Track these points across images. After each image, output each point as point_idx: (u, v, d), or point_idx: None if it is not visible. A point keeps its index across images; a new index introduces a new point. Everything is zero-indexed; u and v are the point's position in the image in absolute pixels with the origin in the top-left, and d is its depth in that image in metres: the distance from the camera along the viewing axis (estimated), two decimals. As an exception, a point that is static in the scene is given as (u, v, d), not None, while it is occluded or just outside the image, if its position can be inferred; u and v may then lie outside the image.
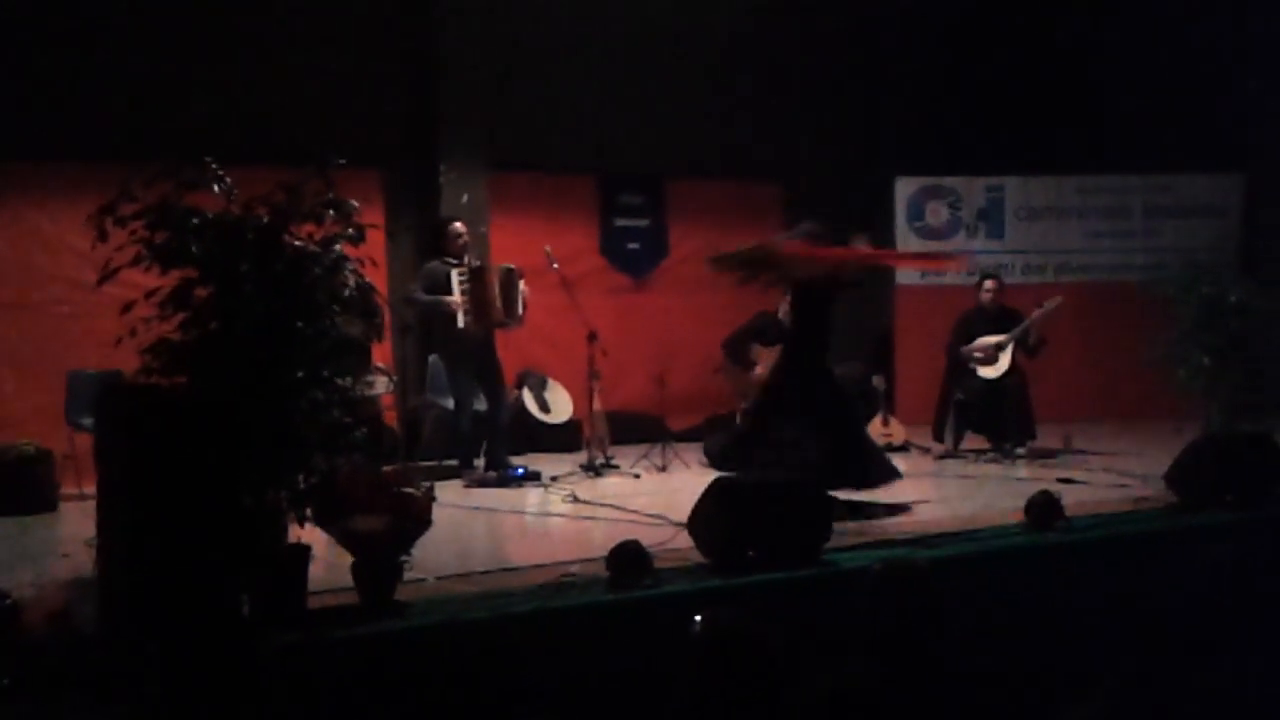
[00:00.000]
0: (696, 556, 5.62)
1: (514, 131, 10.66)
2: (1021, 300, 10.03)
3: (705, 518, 5.67)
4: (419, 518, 4.97)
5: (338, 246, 4.96)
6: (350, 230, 5.00)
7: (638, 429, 10.16)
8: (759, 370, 8.87)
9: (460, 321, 8.64)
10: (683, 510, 5.98)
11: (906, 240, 12.01)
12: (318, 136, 8.65)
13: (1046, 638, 5.28)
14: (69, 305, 8.86)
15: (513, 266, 8.98)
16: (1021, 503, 6.47)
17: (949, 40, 12.43)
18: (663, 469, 9.19)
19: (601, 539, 6.06)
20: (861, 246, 7.51)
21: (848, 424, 7.44)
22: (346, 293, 4.95)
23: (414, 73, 10.45)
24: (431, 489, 5.13)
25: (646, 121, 11.23)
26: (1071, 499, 6.79)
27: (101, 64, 9.06)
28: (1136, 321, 9.40)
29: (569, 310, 9.22)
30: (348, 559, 4.96)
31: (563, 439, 10.26)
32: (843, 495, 6.76)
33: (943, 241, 12.02)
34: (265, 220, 4.84)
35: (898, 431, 10.19)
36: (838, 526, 5.92)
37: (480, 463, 8.87)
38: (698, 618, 3.27)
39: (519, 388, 10.24)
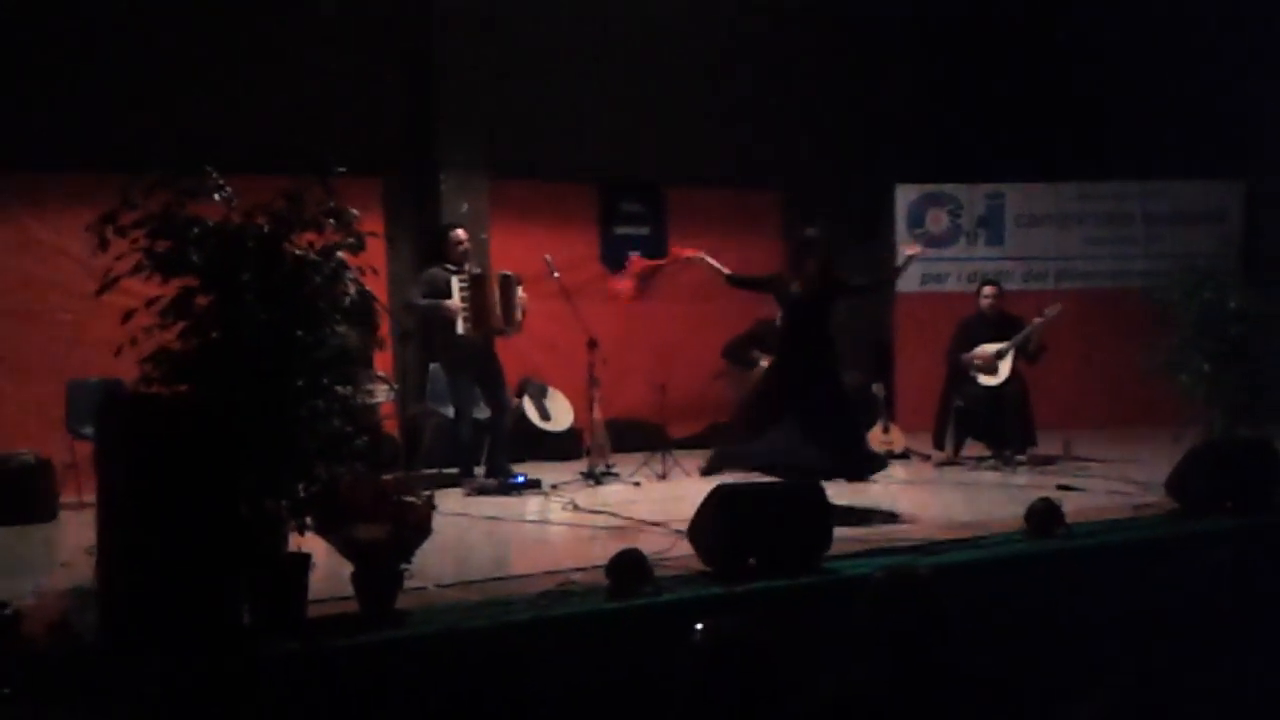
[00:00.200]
0: (697, 564, 5.61)
1: (514, 139, 10.67)
2: (1022, 307, 10.03)
3: (706, 525, 5.67)
4: (419, 526, 4.97)
5: (338, 255, 4.96)
6: (350, 238, 5.00)
7: (638, 436, 10.15)
8: (763, 365, 8.86)
9: (460, 328, 8.65)
10: (683, 518, 5.98)
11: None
12: (318, 144, 8.65)
13: (1048, 644, 5.28)
14: (69, 314, 8.84)
15: (511, 274, 8.98)
16: (1022, 510, 6.47)
17: (949, 47, 12.44)
18: (663, 477, 9.19)
19: (602, 547, 6.06)
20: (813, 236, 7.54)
21: (846, 418, 7.46)
22: (347, 301, 4.96)
23: (414, 80, 10.47)
24: (432, 497, 5.11)
25: (647, 129, 11.25)
26: (1072, 506, 6.80)
27: (100, 73, 9.07)
28: (1137, 328, 9.39)
29: (569, 318, 9.23)
30: (348, 567, 4.95)
31: (563, 447, 10.26)
32: (843, 502, 6.78)
33: (943, 249, 12.04)
34: (266, 229, 4.84)
35: (898, 439, 10.18)
36: (838, 534, 5.92)
37: (481, 471, 8.87)
38: (698, 626, 3.27)
39: (519, 395, 10.24)
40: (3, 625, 4.40)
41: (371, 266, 5.25)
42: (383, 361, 8.93)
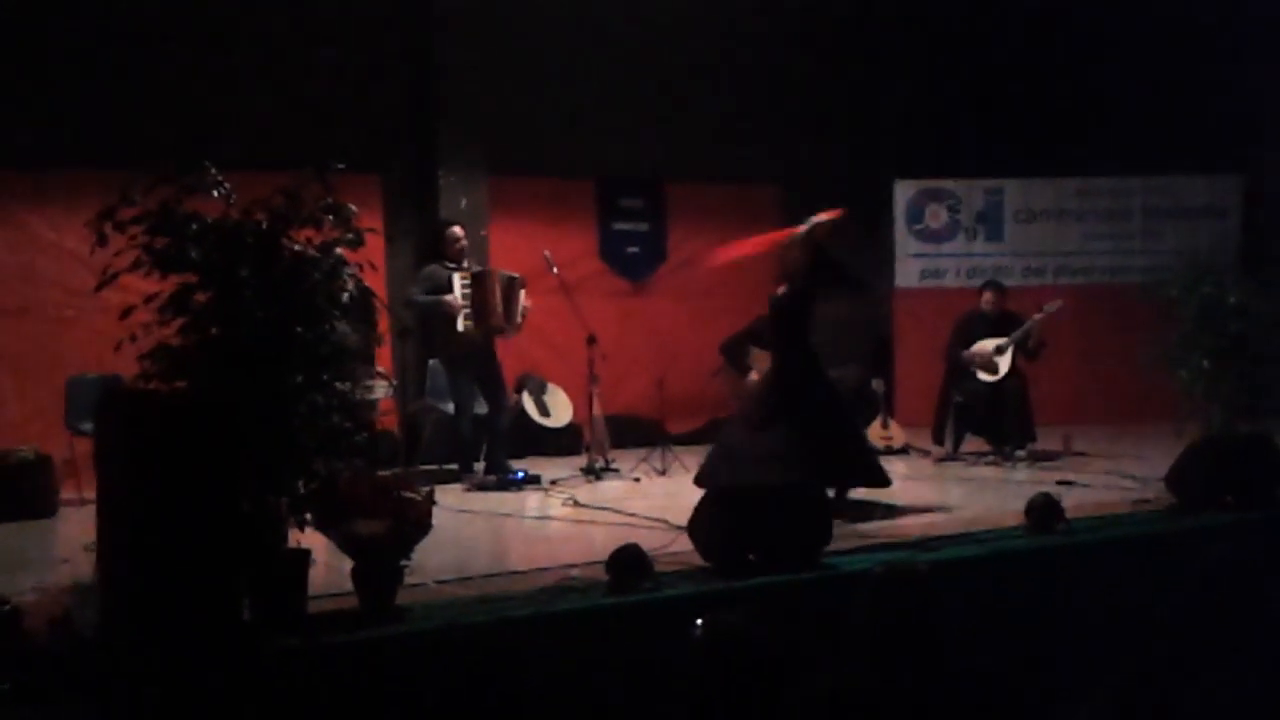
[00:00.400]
0: (696, 560, 5.61)
1: (513, 135, 10.66)
2: (1021, 303, 10.03)
3: (705, 521, 5.67)
4: (419, 522, 4.97)
5: (337, 251, 4.97)
6: (349, 235, 5.00)
7: (637, 432, 10.17)
8: (754, 375, 8.85)
9: (460, 325, 8.66)
10: (682, 514, 5.98)
11: (907, 243, 12.03)
12: (317, 141, 8.65)
13: (1047, 639, 5.28)
14: (69, 310, 8.85)
15: (516, 275, 9.00)
16: (1022, 505, 6.47)
17: (948, 43, 12.43)
18: (662, 472, 9.19)
19: (601, 543, 6.05)
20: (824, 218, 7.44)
21: (844, 421, 7.44)
22: (346, 297, 4.96)
23: (413, 77, 10.46)
24: (431, 493, 5.11)
25: (645, 125, 11.25)
26: (1071, 501, 6.80)
27: (100, 70, 9.07)
28: (1136, 324, 9.39)
29: (568, 314, 9.23)
30: (348, 563, 4.96)
31: (562, 443, 10.28)
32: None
33: (942, 244, 12.03)
34: (264, 225, 4.84)
35: (897, 434, 10.19)
36: (837, 530, 5.93)
37: (480, 466, 8.88)
38: (698, 621, 3.27)
39: (519, 391, 10.25)
40: (3, 621, 4.40)
41: (370, 262, 5.25)
42: (382, 357, 8.94)
